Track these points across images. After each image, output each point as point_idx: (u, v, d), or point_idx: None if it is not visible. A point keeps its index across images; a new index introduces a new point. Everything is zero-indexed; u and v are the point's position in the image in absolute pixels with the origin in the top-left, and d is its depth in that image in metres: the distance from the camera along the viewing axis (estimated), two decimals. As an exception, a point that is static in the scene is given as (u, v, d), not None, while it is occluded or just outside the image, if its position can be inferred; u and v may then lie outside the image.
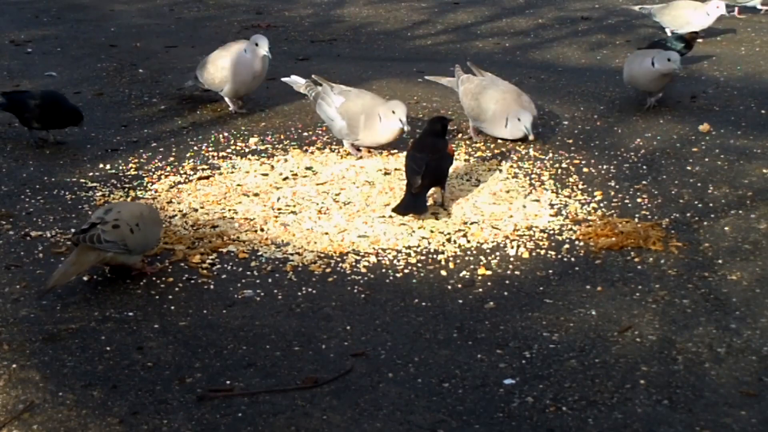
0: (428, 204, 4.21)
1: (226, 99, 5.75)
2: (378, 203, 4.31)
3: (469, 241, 3.95)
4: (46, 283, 3.46)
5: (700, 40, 6.94)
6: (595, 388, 2.95)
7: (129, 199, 4.40)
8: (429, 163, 4.13)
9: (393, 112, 4.65)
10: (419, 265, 3.76)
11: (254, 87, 5.72)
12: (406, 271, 3.72)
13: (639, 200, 4.34)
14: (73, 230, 4.05)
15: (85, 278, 3.65)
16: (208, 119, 5.67)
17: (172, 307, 3.45)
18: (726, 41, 7.44)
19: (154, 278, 3.65)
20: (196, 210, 4.29)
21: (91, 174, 4.75)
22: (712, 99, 5.85)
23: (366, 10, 9.12)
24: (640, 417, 2.80)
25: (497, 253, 3.85)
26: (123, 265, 3.61)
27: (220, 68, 5.61)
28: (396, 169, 4.72)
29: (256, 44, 5.46)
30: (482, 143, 5.11)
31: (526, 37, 7.94)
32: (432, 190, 4.27)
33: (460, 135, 5.25)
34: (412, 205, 4.12)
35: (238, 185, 4.57)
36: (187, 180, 4.67)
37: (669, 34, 7.16)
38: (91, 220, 3.56)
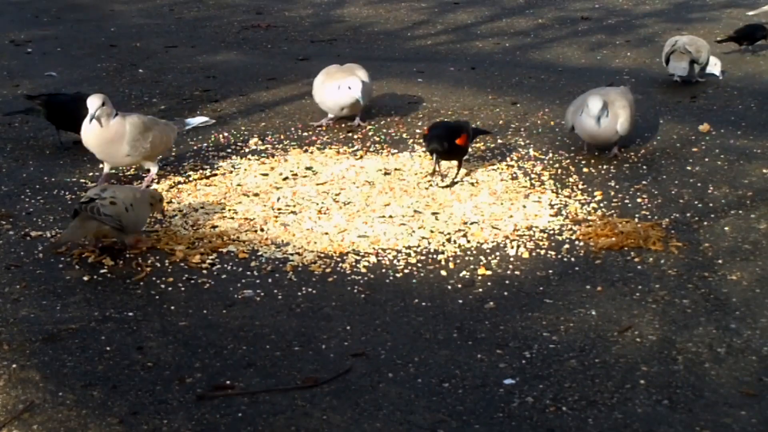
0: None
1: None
2: (378, 203, 4.30)
3: (469, 241, 3.95)
4: (55, 240, 3.67)
5: None
6: (595, 388, 2.95)
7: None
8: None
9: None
10: (419, 265, 3.76)
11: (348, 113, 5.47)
12: (406, 271, 3.72)
13: (639, 200, 4.34)
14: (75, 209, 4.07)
15: (85, 278, 3.65)
16: (208, 119, 5.68)
17: (172, 307, 3.45)
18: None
19: (154, 278, 3.65)
20: (196, 210, 4.29)
21: (91, 174, 4.75)
22: (712, 99, 5.85)
23: (366, 10, 9.12)
24: (640, 417, 2.80)
25: (497, 253, 3.85)
26: (116, 241, 3.83)
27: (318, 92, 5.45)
28: (396, 169, 4.72)
29: (349, 87, 5.26)
30: (482, 143, 5.11)
31: (526, 37, 7.94)
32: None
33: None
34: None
35: (238, 185, 4.57)
36: (187, 180, 4.67)
37: None
38: (88, 195, 3.77)
